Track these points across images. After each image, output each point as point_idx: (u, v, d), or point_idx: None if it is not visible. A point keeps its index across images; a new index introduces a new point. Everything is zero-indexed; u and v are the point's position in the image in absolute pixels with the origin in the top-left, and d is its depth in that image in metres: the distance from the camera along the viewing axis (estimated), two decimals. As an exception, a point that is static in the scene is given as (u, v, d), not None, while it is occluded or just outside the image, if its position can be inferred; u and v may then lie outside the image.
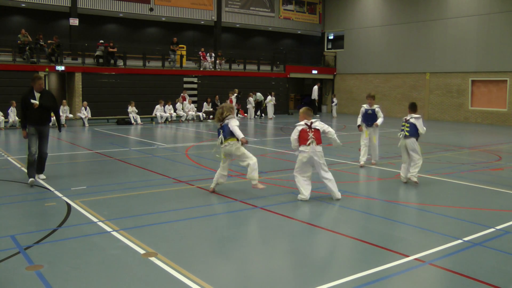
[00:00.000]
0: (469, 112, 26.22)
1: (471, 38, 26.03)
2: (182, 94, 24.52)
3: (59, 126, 10.01)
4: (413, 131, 9.07)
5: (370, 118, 10.95)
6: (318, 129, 7.62)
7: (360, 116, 11.08)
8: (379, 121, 10.82)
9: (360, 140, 11.20)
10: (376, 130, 10.97)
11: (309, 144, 7.49)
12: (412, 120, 9.12)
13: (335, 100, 30.31)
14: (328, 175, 7.64)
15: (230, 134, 7.89)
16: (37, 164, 8.93)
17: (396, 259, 5.11)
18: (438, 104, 27.81)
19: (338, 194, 7.70)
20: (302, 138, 7.57)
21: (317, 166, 7.59)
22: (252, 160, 7.93)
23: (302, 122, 7.70)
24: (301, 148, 7.59)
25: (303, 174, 7.66)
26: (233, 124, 7.91)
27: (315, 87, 30.10)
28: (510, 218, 6.82)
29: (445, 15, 27.14)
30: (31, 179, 8.61)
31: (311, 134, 7.53)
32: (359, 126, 11.07)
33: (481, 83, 26.03)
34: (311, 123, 7.65)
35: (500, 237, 6.00)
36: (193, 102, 25.61)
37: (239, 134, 7.88)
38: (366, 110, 10.99)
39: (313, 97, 30.08)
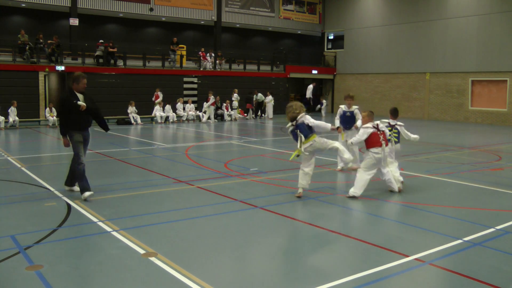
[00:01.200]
0: (469, 112, 26.22)
1: (471, 38, 26.03)
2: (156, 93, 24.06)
3: (106, 127, 8.33)
4: (399, 137, 9.01)
5: (348, 120, 10.30)
6: (384, 131, 8.17)
7: (337, 117, 10.48)
8: (359, 123, 9.81)
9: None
10: (354, 132, 10.01)
11: (381, 146, 7.95)
12: (397, 127, 8.98)
13: (324, 102, 30.35)
14: (386, 169, 8.23)
15: (310, 131, 7.73)
16: (72, 174, 8.02)
17: (396, 259, 5.11)
18: (438, 104, 27.81)
19: (396, 187, 8.26)
20: (374, 141, 7.93)
21: (381, 164, 8.12)
22: (337, 144, 7.91)
23: (370, 125, 8.03)
24: (374, 150, 7.93)
25: (368, 171, 8.02)
26: (311, 120, 7.74)
27: (310, 86, 30.19)
28: (510, 218, 6.82)
29: (445, 15, 27.13)
30: (89, 193, 7.55)
31: (381, 137, 8.01)
32: (338, 127, 9.87)
33: (481, 83, 26.03)
34: (377, 125, 8.08)
35: (500, 237, 6.00)
36: (193, 102, 25.60)
37: (326, 125, 7.89)
38: (344, 112, 10.38)
39: (307, 96, 30.14)
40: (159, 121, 23.14)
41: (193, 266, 4.89)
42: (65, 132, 7.70)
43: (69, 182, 8.16)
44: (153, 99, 23.82)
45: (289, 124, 7.87)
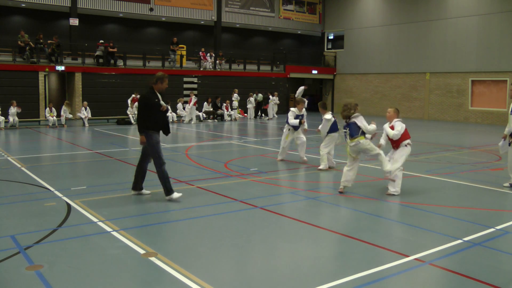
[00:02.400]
0: (469, 112, 26.21)
1: (471, 38, 26.03)
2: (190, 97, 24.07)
3: (168, 131, 7.86)
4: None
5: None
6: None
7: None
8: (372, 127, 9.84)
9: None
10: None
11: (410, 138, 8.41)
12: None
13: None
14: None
15: (357, 132, 7.98)
16: (142, 176, 7.84)
17: (396, 259, 5.11)
18: (438, 104, 27.81)
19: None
20: (407, 134, 8.32)
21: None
22: (382, 154, 8.12)
23: (401, 120, 8.40)
24: (408, 141, 8.31)
25: (402, 168, 8.34)
26: (363, 122, 8.04)
27: (301, 88, 30.10)
28: (510, 218, 6.82)
29: (445, 15, 27.14)
30: (178, 194, 7.55)
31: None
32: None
33: (481, 83, 26.03)
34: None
35: (500, 237, 6.00)
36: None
37: (372, 128, 8.14)
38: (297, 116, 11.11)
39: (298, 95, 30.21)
40: (194, 121, 23.48)
41: (193, 266, 4.89)
42: (144, 131, 7.48)
43: (136, 186, 7.87)
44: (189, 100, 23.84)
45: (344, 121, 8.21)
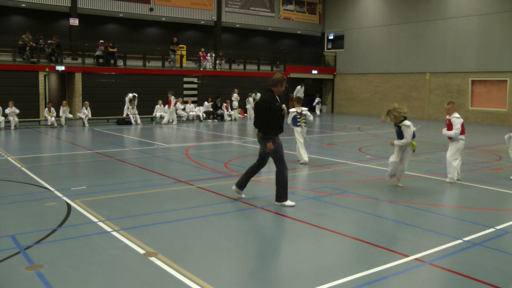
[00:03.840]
0: (469, 112, 26.21)
1: (471, 38, 26.03)
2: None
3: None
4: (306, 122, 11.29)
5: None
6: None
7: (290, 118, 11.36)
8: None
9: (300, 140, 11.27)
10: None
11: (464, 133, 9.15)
12: (304, 112, 11.26)
13: (317, 99, 30.31)
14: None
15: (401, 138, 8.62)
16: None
17: (396, 259, 5.11)
18: (438, 104, 27.80)
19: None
20: (462, 130, 9.05)
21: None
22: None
23: (458, 115, 9.08)
24: (461, 136, 9.06)
25: (458, 158, 9.09)
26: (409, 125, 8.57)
27: (299, 87, 30.13)
28: (510, 218, 6.82)
29: (445, 15, 27.14)
30: (291, 203, 7.25)
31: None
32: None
33: (481, 83, 26.03)
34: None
35: (500, 237, 6.00)
36: (193, 102, 25.60)
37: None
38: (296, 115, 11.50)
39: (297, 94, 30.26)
40: (159, 121, 23.14)
41: (193, 266, 4.89)
42: (270, 136, 7.18)
43: (242, 185, 7.67)
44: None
45: (407, 121, 8.54)
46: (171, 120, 22.95)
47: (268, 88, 7.29)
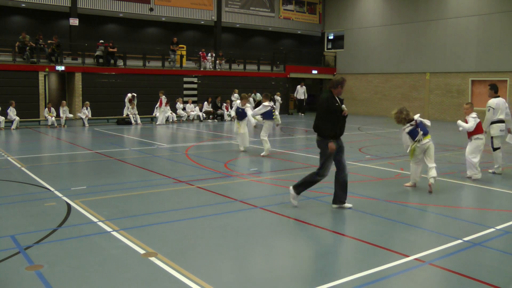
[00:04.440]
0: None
1: (471, 38, 26.02)
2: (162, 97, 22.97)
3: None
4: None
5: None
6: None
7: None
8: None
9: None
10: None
11: (483, 132, 9.42)
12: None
13: None
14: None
15: (427, 131, 8.60)
16: (341, 188, 7.29)
17: (396, 259, 5.11)
18: (438, 104, 27.81)
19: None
20: (479, 128, 9.36)
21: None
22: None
23: (475, 115, 9.39)
24: (479, 136, 9.34)
25: (477, 156, 9.35)
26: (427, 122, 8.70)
27: (298, 87, 30.16)
28: (510, 218, 6.82)
29: (445, 15, 27.13)
30: (296, 201, 7.24)
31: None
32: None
33: (481, 83, 26.02)
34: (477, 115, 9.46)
35: (500, 237, 6.00)
36: (193, 102, 25.60)
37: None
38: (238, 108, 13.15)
39: (299, 97, 30.19)
40: (158, 122, 23.08)
41: (193, 266, 4.89)
42: (330, 137, 6.98)
43: (338, 199, 7.31)
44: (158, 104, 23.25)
45: (407, 125, 8.55)
46: (165, 120, 22.92)
47: (328, 90, 7.17)
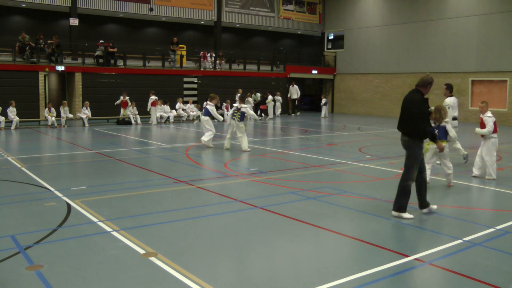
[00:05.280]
0: (469, 112, 26.20)
1: (471, 38, 26.02)
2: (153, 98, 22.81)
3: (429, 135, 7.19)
4: (242, 117, 13.32)
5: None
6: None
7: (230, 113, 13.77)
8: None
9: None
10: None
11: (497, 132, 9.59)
12: (242, 109, 13.33)
13: (323, 100, 29.85)
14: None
15: (444, 136, 8.73)
16: (424, 189, 6.98)
17: (396, 259, 5.11)
18: (438, 104, 27.77)
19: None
20: (495, 129, 9.52)
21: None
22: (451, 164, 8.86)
23: (490, 114, 9.50)
24: (493, 135, 9.52)
25: (494, 155, 9.58)
26: (451, 129, 8.86)
27: (290, 87, 29.77)
28: (510, 218, 6.82)
29: (445, 15, 27.13)
30: (409, 215, 6.71)
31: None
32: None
33: (481, 83, 26.02)
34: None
35: (500, 237, 6.00)
36: (194, 102, 25.59)
37: (455, 136, 9.10)
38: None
39: (293, 97, 29.84)
40: (159, 121, 23.08)
41: (193, 266, 4.89)
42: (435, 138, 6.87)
43: (423, 203, 7.00)
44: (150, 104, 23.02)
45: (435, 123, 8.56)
46: (164, 120, 22.94)
47: (416, 89, 6.80)
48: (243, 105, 13.60)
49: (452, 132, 8.92)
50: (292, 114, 29.93)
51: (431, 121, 8.48)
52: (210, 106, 14.44)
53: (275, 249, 5.56)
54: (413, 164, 6.71)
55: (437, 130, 8.58)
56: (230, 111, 13.88)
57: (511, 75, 24.60)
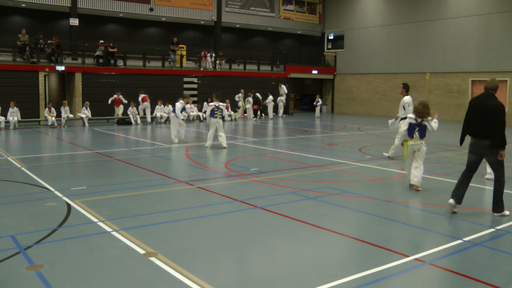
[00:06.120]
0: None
1: (471, 38, 26.02)
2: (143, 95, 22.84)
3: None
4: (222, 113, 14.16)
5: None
6: None
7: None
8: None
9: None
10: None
11: None
12: (221, 107, 14.10)
13: (320, 100, 29.67)
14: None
15: (425, 135, 8.57)
16: (466, 189, 7.10)
17: (396, 259, 5.11)
18: (438, 104, 27.79)
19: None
20: None
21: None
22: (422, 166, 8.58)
23: None
24: None
25: None
26: (432, 124, 8.54)
27: (279, 88, 29.07)
28: (510, 218, 6.82)
29: (445, 15, 27.13)
30: (508, 212, 6.88)
31: None
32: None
33: (481, 83, 26.00)
34: None
35: (500, 237, 6.00)
36: (194, 102, 25.59)
37: (436, 126, 8.60)
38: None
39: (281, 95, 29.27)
40: (159, 121, 23.12)
41: (193, 266, 4.89)
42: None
43: (461, 198, 7.06)
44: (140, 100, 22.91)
45: (412, 118, 8.56)
46: (162, 120, 23.00)
47: (490, 93, 6.95)
48: (221, 103, 14.20)
49: (432, 128, 8.58)
50: (283, 115, 28.92)
51: (415, 117, 8.54)
52: (178, 103, 15.08)
53: (275, 249, 5.56)
54: (502, 166, 6.85)
55: (417, 128, 8.50)
56: (208, 110, 14.14)
57: (511, 75, 24.60)
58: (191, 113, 24.49)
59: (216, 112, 13.84)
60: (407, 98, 11.69)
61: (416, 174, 8.47)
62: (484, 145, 6.80)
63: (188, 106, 24.64)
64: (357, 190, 8.46)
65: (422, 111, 8.45)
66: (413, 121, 8.57)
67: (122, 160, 11.75)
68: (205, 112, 24.89)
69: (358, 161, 11.70)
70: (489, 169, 9.58)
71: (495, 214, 6.87)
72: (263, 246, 5.64)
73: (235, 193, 8.16)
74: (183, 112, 15.43)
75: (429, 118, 8.52)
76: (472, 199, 8.28)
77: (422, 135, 8.53)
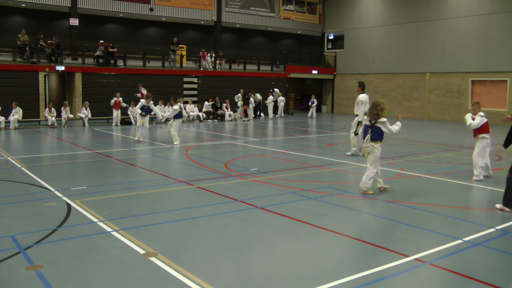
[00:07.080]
0: (469, 112, 26.20)
1: (471, 38, 26.02)
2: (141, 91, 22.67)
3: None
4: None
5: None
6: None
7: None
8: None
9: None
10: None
11: (489, 132, 9.55)
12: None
13: (315, 101, 29.40)
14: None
15: (379, 137, 8.12)
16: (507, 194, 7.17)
17: (396, 259, 5.11)
18: (438, 104, 27.81)
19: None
20: (485, 129, 9.49)
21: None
22: (375, 169, 8.18)
23: (483, 114, 9.52)
24: (485, 135, 9.51)
25: (485, 157, 9.53)
26: (389, 127, 8.10)
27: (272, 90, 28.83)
28: (510, 218, 6.82)
29: (445, 15, 27.13)
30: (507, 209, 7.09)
31: None
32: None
33: (481, 83, 26.02)
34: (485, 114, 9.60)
35: (500, 237, 6.00)
36: (193, 102, 25.60)
37: (397, 128, 8.27)
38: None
39: (275, 99, 28.81)
40: (159, 121, 23.09)
41: (193, 266, 4.89)
42: None
43: (509, 202, 7.13)
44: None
45: (366, 120, 8.30)
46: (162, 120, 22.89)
47: None
48: (175, 106, 15.07)
49: (390, 130, 8.11)
50: (274, 115, 28.20)
51: (367, 119, 8.17)
52: (141, 102, 15.80)
53: (275, 249, 5.56)
54: None
55: (370, 130, 8.08)
56: (170, 110, 15.13)
57: (511, 75, 24.60)
58: (191, 113, 24.50)
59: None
60: (361, 96, 12.00)
61: (363, 177, 8.18)
62: None
63: (188, 106, 24.69)
64: (357, 190, 8.45)
65: (370, 112, 8.14)
66: (367, 123, 8.25)
67: (122, 160, 11.75)
68: (205, 113, 24.96)
69: (358, 161, 11.70)
70: (476, 171, 9.48)
71: (505, 208, 7.05)
72: (263, 246, 5.64)
73: (235, 193, 8.16)
74: (168, 112, 15.96)
75: (383, 120, 8.04)
76: (472, 199, 8.28)
77: (375, 138, 8.06)
